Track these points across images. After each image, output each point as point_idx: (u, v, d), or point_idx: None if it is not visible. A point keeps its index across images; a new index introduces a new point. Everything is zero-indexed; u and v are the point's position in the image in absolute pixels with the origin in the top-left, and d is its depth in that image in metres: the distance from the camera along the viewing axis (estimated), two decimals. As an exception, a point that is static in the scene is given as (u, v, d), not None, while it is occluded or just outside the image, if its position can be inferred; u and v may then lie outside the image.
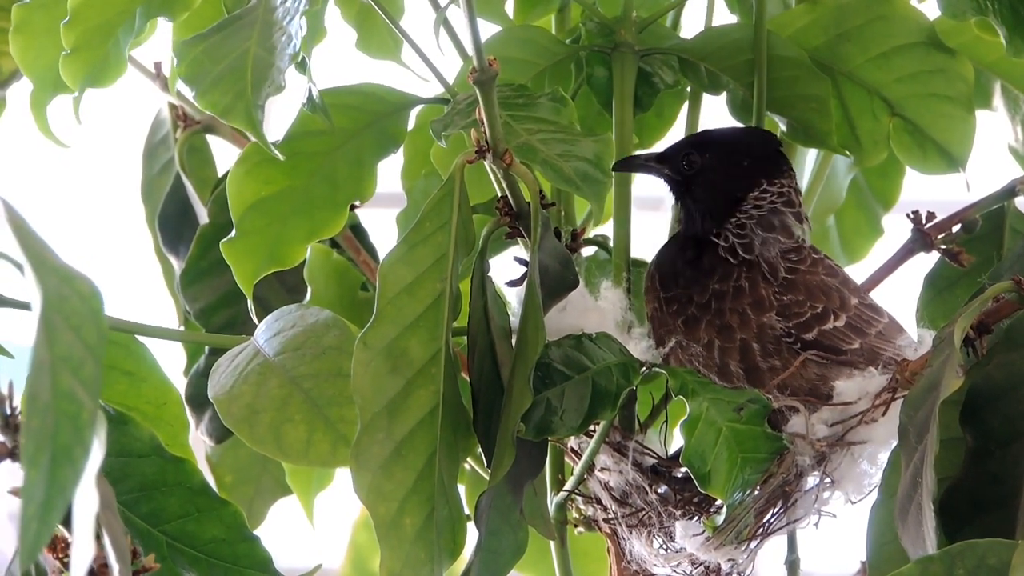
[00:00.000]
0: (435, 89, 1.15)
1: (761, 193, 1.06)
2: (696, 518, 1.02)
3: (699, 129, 1.21)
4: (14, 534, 0.59)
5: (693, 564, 1.04)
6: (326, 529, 1.42)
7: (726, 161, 1.07)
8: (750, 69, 1.14)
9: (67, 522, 0.67)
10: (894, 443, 0.91)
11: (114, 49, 1.11)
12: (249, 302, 1.12)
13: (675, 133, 1.26)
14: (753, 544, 1.01)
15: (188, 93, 1.15)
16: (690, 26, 1.25)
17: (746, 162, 1.07)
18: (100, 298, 0.63)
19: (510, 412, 0.93)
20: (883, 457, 1.00)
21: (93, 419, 0.59)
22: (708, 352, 1.03)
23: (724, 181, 1.07)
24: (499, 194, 1.00)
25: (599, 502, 1.06)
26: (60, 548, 0.84)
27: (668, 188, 1.10)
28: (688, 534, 1.02)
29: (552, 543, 1.13)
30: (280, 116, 1.03)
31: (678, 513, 1.03)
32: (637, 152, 1.13)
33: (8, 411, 0.75)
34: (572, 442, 1.07)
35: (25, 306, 0.94)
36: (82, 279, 0.64)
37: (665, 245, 1.09)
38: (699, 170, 1.07)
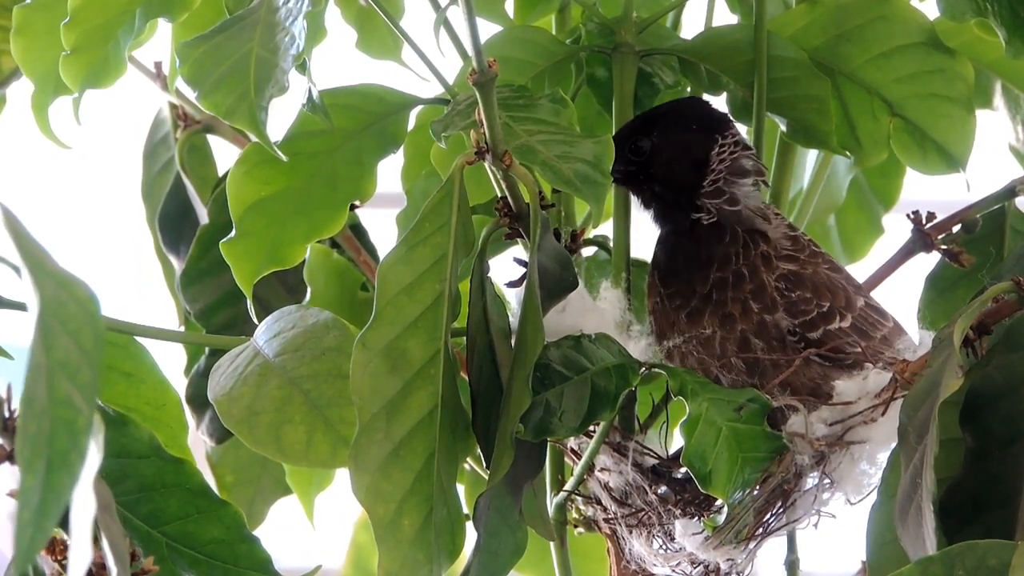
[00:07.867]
0: (435, 89, 1.14)
1: (720, 149, 1.06)
2: (696, 518, 1.02)
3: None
4: (11, 536, 0.60)
5: (693, 564, 1.04)
6: (327, 529, 1.42)
7: (677, 130, 1.06)
8: (750, 69, 1.14)
9: (66, 524, 0.67)
10: (893, 443, 0.91)
11: (114, 50, 1.11)
12: (249, 302, 1.12)
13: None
14: (752, 544, 1.01)
15: (190, 94, 1.15)
16: (690, 26, 1.25)
17: (694, 124, 1.07)
18: (97, 303, 0.63)
19: (509, 413, 0.93)
20: (882, 457, 1.00)
21: (89, 425, 0.59)
22: (709, 345, 1.03)
23: (683, 149, 1.06)
24: (499, 195, 1.00)
25: (599, 502, 1.06)
26: (59, 550, 0.84)
27: (628, 188, 1.08)
28: (687, 533, 1.02)
29: (552, 544, 1.12)
30: (280, 116, 1.02)
31: (678, 513, 1.03)
32: None
33: (7, 414, 0.75)
34: (572, 443, 1.07)
35: (24, 307, 0.94)
36: (79, 284, 0.64)
37: (658, 245, 1.08)
38: (651, 150, 1.06)
